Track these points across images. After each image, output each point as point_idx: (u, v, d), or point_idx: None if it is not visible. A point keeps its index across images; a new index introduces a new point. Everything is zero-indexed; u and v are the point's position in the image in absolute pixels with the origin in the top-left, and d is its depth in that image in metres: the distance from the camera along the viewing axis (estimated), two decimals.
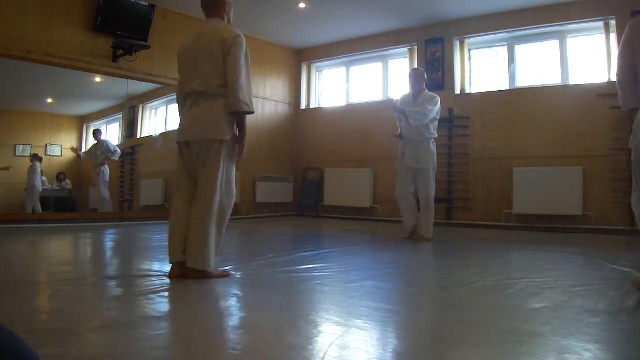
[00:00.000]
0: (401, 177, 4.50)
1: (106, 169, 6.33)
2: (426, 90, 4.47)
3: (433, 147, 4.42)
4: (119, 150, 6.46)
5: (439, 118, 4.43)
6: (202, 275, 2.48)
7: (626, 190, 5.20)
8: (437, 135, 4.46)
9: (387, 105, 4.27)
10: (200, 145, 2.51)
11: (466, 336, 1.64)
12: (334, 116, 7.60)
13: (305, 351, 1.46)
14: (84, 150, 6.36)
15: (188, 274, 2.49)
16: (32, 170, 5.76)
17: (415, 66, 6.77)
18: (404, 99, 4.49)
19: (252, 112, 2.53)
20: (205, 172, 2.51)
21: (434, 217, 4.46)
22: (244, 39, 2.56)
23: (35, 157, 5.78)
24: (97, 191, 6.27)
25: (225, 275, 2.60)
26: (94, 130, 6.43)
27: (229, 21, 2.72)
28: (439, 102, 4.37)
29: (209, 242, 2.47)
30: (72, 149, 6.16)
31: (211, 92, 2.51)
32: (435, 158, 4.45)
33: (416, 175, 4.43)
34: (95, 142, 6.35)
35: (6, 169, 5.54)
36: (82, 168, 6.31)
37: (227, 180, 2.55)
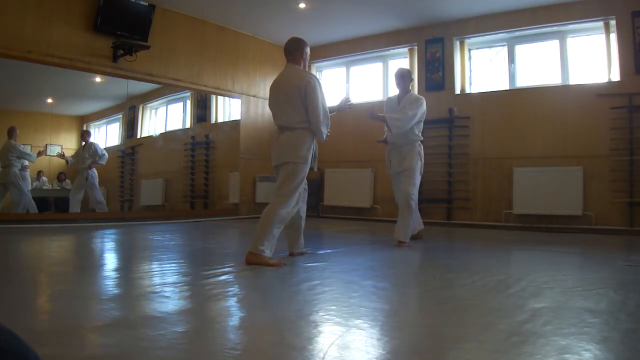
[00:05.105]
0: (394, 184, 4.43)
1: (94, 172, 6.15)
2: (411, 92, 4.32)
3: (419, 148, 4.24)
4: (106, 154, 6.27)
5: (423, 120, 4.26)
6: (255, 257, 2.97)
7: (626, 190, 5.21)
8: (422, 138, 4.29)
9: (368, 116, 4.09)
10: (281, 166, 3.21)
11: (466, 336, 1.64)
12: (333, 116, 7.57)
13: (305, 351, 1.46)
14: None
15: (247, 256, 3.01)
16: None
17: (416, 66, 6.78)
18: (389, 102, 4.39)
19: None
20: (278, 184, 3.20)
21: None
22: (314, 80, 3.19)
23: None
24: (92, 197, 6.10)
25: (278, 264, 2.95)
26: (83, 131, 6.24)
27: (304, 66, 3.35)
28: (424, 104, 4.20)
29: (261, 233, 3.01)
30: (60, 156, 5.98)
31: (291, 127, 3.21)
32: (421, 160, 4.24)
33: (400, 177, 4.26)
34: (83, 143, 6.18)
35: None
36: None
37: (292, 191, 3.13)
